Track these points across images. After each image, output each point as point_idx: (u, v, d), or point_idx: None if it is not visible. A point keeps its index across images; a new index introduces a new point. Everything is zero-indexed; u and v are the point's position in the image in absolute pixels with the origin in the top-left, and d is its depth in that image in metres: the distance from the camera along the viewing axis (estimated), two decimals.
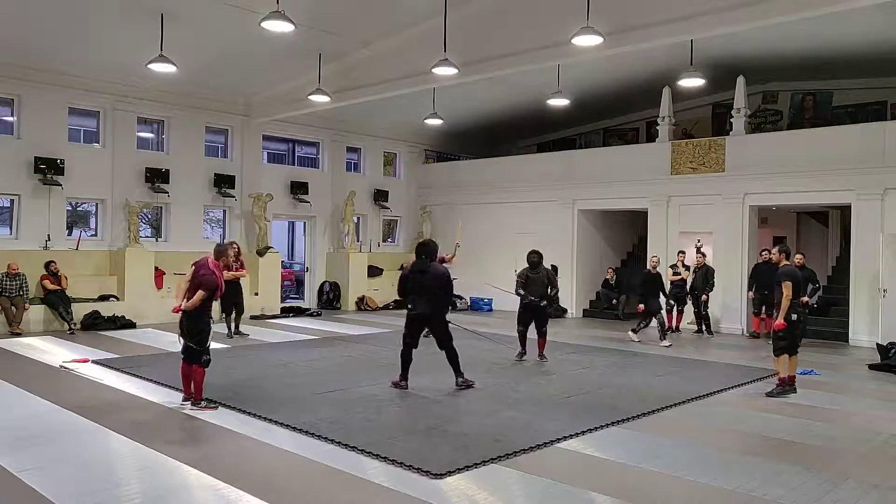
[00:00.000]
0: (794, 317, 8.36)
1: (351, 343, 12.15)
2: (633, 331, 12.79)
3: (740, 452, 6.06)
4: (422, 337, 8.63)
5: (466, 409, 7.37)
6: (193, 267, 7.42)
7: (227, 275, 12.54)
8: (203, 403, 7.28)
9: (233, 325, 12.71)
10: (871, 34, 12.73)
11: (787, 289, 8.25)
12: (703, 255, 14.00)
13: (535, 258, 10.93)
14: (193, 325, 7.25)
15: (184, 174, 15.74)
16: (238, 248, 13.11)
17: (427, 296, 8.15)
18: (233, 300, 12.65)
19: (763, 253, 13.55)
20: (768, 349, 12.21)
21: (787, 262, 8.68)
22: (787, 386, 8.39)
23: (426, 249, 8.38)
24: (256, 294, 15.90)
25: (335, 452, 5.84)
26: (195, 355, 7.25)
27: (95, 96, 14.55)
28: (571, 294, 17.29)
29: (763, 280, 12.83)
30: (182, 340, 7.32)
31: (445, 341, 8.32)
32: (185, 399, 7.44)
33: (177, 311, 7.33)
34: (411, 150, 20.78)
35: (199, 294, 7.15)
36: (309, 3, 11.29)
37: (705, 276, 13.82)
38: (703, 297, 13.86)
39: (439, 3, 10.95)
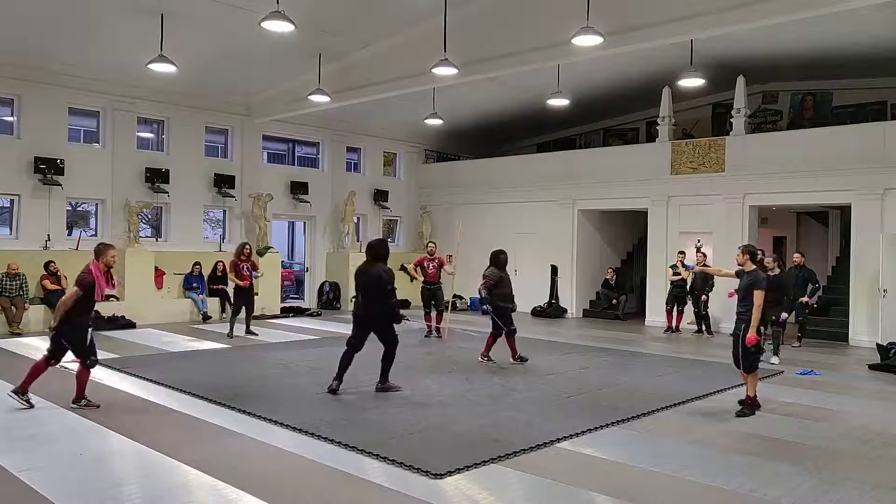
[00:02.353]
0: (762, 329, 7.55)
1: None
2: (775, 353, 10.88)
3: (740, 452, 6.06)
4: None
5: (466, 409, 7.36)
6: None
7: (235, 280, 12.36)
8: (83, 402, 7.28)
9: (238, 325, 12.59)
10: (871, 34, 12.73)
11: (758, 298, 7.26)
12: (704, 255, 13.97)
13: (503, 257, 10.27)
14: (70, 334, 7.18)
15: (184, 174, 15.74)
16: (251, 248, 13.07)
17: (365, 297, 8.05)
18: (243, 300, 12.60)
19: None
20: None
21: (754, 266, 7.55)
22: (754, 406, 7.49)
23: (370, 250, 8.12)
24: (256, 294, 15.85)
25: (335, 452, 5.84)
26: (81, 357, 7.21)
27: (95, 96, 14.55)
28: (571, 294, 17.29)
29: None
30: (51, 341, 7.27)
31: (386, 342, 8.12)
32: (15, 391, 7.27)
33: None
34: (411, 150, 20.78)
35: (73, 290, 7.04)
36: (309, 3, 11.29)
37: (704, 277, 13.81)
38: (703, 297, 13.86)
39: (439, 3, 10.95)
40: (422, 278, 12.67)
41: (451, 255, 12.82)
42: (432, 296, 12.67)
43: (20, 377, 8.65)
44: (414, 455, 5.66)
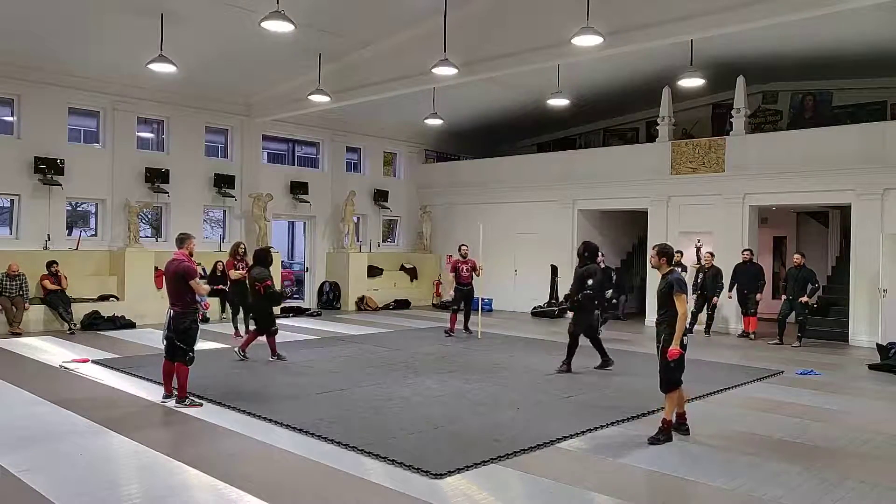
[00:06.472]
0: (685, 340, 6.32)
1: (351, 343, 12.16)
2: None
3: (740, 452, 6.06)
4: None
5: (466, 409, 7.37)
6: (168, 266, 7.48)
7: (233, 274, 12.65)
8: (187, 401, 7.31)
9: (241, 326, 12.70)
10: (871, 34, 12.73)
11: (682, 303, 6.23)
12: (712, 255, 13.95)
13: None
14: (179, 323, 7.27)
15: (184, 174, 15.74)
16: (245, 248, 13.15)
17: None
18: (241, 300, 12.69)
19: (745, 253, 13.73)
20: (761, 348, 12.30)
21: (672, 268, 6.55)
22: (670, 432, 6.42)
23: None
24: None
25: (335, 452, 5.84)
26: (179, 353, 7.26)
27: (95, 96, 14.55)
28: None
29: (741, 280, 13.55)
30: (164, 339, 7.38)
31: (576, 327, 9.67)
32: (165, 396, 7.52)
33: (206, 307, 7.58)
34: (411, 150, 20.78)
35: (195, 282, 7.28)
36: (309, 3, 11.29)
37: (714, 279, 13.77)
38: (714, 299, 13.79)
39: (439, 3, 10.95)
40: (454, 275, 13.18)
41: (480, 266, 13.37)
42: (466, 297, 13.10)
43: (20, 377, 8.68)
44: (414, 455, 5.67)
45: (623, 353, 11.45)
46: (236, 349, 10.24)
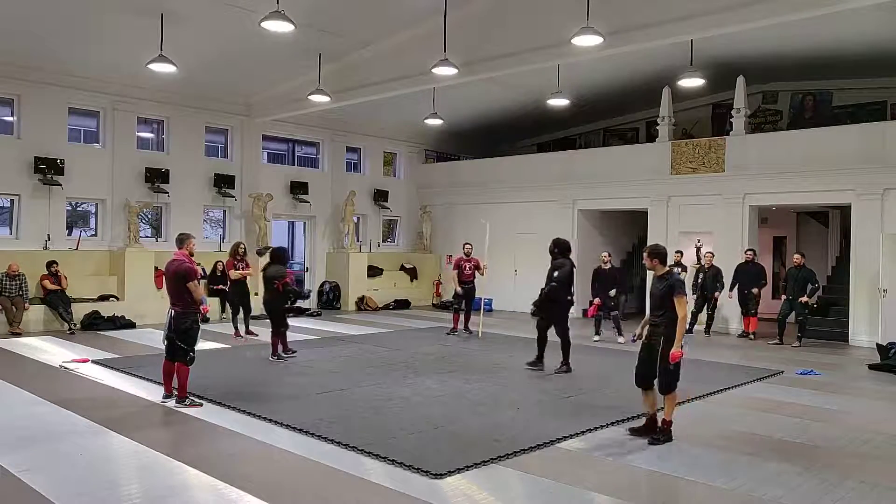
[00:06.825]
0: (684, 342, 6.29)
1: (351, 343, 12.16)
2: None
3: (740, 452, 6.06)
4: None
5: (466, 409, 7.37)
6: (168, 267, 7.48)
7: (233, 274, 12.71)
8: (188, 401, 7.31)
9: (241, 326, 12.74)
10: (871, 34, 12.73)
11: (682, 306, 6.23)
12: (712, 255, 13.96)
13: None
14: (181, 323, 7.26)
15: (184, 174, 15.74)
16: (245, 248, 13.19)
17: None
18: (240, 300, 12.78)
19: (748, 252, 13.77)
20: (761, 348, 12.31)
21: (667, 268, 6.58)
22: (670, 432, 6.37)
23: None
24: (256, 294, 15.86)
25: (335, 452, 5.85)
26: (179, 353, 7.26)
27: (95, 96, 14.55)
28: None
29: (742, 279, 13.58)
30: (165, 339, 7.37)
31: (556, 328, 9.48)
32: (165, 396, 7.52)
33: (206, 311, 7.70)
34: (411, 150, 20.78)
35: (193, 284, 7.23)
36: (309, 3, 11.29)
37: (715, 277, 13.78)
38: (716, 294, 13.79)
39: (439, 3, 10.96)
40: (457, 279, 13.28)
41: (484, 265, 13.43)
42: (466, 295, 13.23)
43: (20, 377, 8.68)
44: (414, 455, 5.67)
45: (623, 353, 11.44)
46: (274, 356, 10.18)
